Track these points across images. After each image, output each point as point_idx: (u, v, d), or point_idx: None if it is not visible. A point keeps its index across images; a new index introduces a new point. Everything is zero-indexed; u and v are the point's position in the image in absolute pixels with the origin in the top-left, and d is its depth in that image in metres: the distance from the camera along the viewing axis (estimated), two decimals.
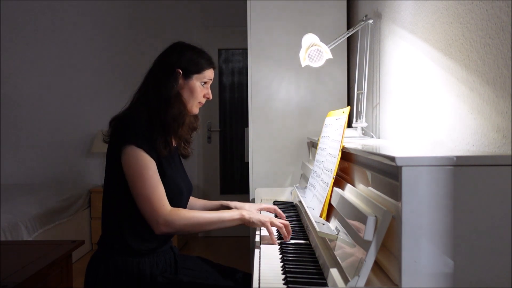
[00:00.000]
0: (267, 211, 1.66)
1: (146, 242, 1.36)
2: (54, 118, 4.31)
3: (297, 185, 2.00)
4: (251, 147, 2.38)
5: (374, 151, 1.02)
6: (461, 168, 0.78)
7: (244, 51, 4.21)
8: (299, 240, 1.42)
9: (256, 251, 1.33)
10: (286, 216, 1.74)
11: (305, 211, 1.46)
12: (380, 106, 1.92)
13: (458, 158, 0.78)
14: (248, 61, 2.36)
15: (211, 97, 1.50)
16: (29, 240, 2.86)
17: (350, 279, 0.89)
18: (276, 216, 1.60)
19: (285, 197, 2.20)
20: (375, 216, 0.87)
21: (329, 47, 1.83)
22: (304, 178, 2.05)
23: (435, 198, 0.78)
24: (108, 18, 4.28)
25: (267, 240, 1.42)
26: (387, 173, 0.95)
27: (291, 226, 1.50)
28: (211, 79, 1.48)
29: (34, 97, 4.31)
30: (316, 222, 1.22)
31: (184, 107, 1.42)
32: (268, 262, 1.22)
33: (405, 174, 0.78)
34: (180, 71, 1.41)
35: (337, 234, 1.11)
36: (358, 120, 1.91)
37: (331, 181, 1.30)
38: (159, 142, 1.35)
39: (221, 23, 4.30)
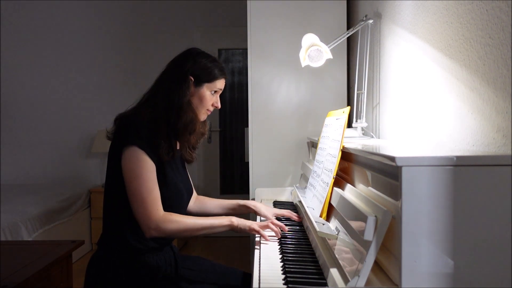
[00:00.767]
0: (282, 216, 1.67)
1: (146, 241, 1.36)
2: (54, 118, 4.31)
3: (297, 185, 2.00)
4: (251, 147, 2.38)
5: (374, 151, 1.02)
6: (461, 168, 0.78)
7: (244, 51, 4.22)
8: (299, 240, 1.42)
9: (256, 251, 1.33)
10: (285, 218, 1.74)
11: (305, 211, 1.46)
12: (380, 106, 1.92)
13: (458, 158, 0.78)
14: (248, 61, 2.36)
15: (219, 106, 1.50)
16: (29, 240, 2.86)
17: (350, 279, 0.89)
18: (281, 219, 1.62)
19: (285, 197, 2.20)
20: (375, 216, 0.87)
21: (329, 47, 1.83)
22: (304, 178, 2.05)
23: (435, 198, 0.78)
24: (108, 18, 4.28)
25: (268, 240, 1.42)
26: (387, 173, 0.95)
27: (291, 226, 1.51)
28: (221, 89, 1.49)
29: (34, 97, 4.31)
30: (316, 222, 1.22)
31: (196, 115, 1.42)
32: (268, 262, 1.22)
33: (405, 174, 0.78)
34: (192, 78, 1.41)
35: (337, 234, 1.11)
36: (358, 120, 1.91)
37: (331, 181, 1.30)
38: (163, 146, 1.34)
39: (221, 23, 4.31)
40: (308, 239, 1.42)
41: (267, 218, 1.60)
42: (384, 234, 0.84)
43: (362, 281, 0.84)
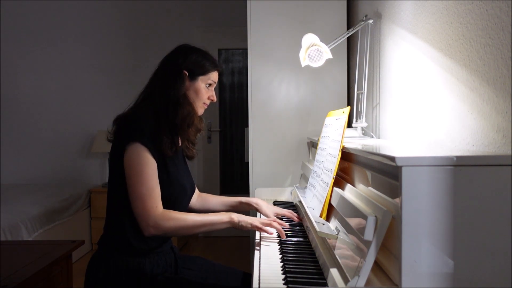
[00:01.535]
0: (283, 216, 1.67)
1: (147, 240, 1.36)
2: (54, 118, 4.31)
3: (297, 185, 2.00)
4: (251, 147, 2.38)
5: (374, 151, 1.02)
6: (461, 168, 0.78)
7: (244, 51, 4.22)
8: (299, 239, 1.42)
9: (256, 251, 1.33)
10: (286, 217, 1.74)
11: (305, 211, 1.46)
12: (380, 106, 1.92)
13: (458, 158, 0.78)
14: (248, 61, 2.36)
15: (215, 99, 1.52)
16: (29, 240, 2.86)
17: (350, 279, 0.89)
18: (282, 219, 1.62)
19: (285, 197, 2.20)
20: (375, 216, 0.87)
21: (329, 47, 1.83)
22: (304, 178, 2.05)
23: (435, 198, 0.78)
24: (108, 18, 4.28)
25: (268, 240, 1.42)
26: (387, 173, 0.95)
27: (291, 226, 1.51)
28: (215, 82, 1.51)
29: (34, 97, 4.31)
30: (316, 222, 1.22)
31: (192, 108, 1.44)
32: (268, 262, 1.22)
33: (405, 174, 0.78)
34: (186, 72, 1.43)
35: (337, 234, 1.11)
36: (358, 120, 1.91)
37: (331, 181, 1.30)
38: (165, 142, 1.35)
39: (221, 23, 4.31)
40: (308, 239, 1.42)
41: (268, 217, 1.61)
42: (384, 234, 0.84)
43: (362, 281, 0.84)
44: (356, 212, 0.98)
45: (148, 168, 1.32)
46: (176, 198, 1.38)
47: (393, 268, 0.84)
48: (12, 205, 3.11)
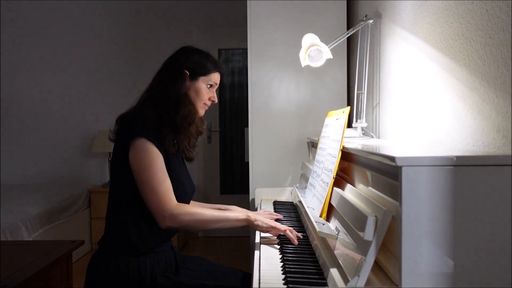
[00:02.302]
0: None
1: (148, 240, 1.36)
2: (54, 118, 4.31)
3: (297, 185, 2.00)
4: (251, 147, 2.38)
5: (374, 151, 1.02)
6: (461, 168, 0.78)
7: (244, 51, 4.22)
8: (299, 240, 1.42)
9: (256, 251, 1.33)
10: (286, 216, 1.74)
11: (305, 211, 1.46)
12: (380, 106, 1.92)
13: (458, 158, 0.78)
14: (248, 61, 2.36)
15: (216, 100, 1.53)
16: (29, 240, 2.86)
17: (350, 279, 0.89)
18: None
19: (285, 197, 2.20)
20: (375, 216, 0.87)
21: (329, 47, 1.83)
22: (304, 178, 2.05)
23: (435, 198, 0.78)
24: (108, 18, 4.28)
25: (268, 239, 1.42)
26: (387, 173, 0.95)
27: (290, 226, 1.50)
28: (216, 83, 1.52)
29: (34, 97, 4.31)
30: (316, 222, 1.22)
31: (193, 107, 1.45)
32: (268, 262, 1.22)
33: (405, 174, 0.78)
34: (187, 72, 1.45)
35: (337, 234, 1.11)
36: (358, 120, 1.91)
37: (331, 181, 1.30)
38: (168, 139, 1.37)
39: (221, 23, 4.31)
40: (308, 239, 1.42)
41: None
42: (384, 234, 0.84)
43: (362, 281, 0.84)
44: (356, 212, 0.98)
45: (156, 162, 1.32)
46: (176, 196, 1.38)
47: (393, 268, 0.84)
48: (12, 205, 3.11)
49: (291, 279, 1.06)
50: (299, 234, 1.42)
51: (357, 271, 0.86)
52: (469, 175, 0.78)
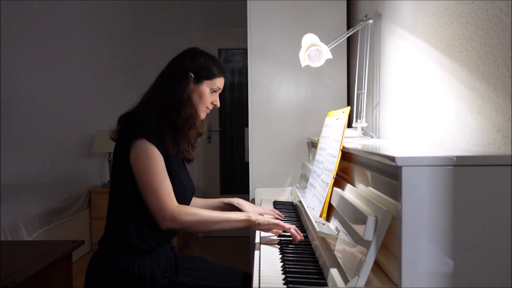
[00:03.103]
0: (267, 214, 1.66)
1: (149, 240, 1.36)
2: (54, 118, 4.31)
3: (297, 185, 2.00)
4: (251, 147, 2.38)
5: (374, 151, 1.02)
6: (461, 168, 0.78)
7: (244, 51, 4.22)
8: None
9: (256, 251, 1.33)
10: (286, 216, 1.74)
11: (305, 211, 1.46)
12: (380, 106, 1.92)
13: (458, 158, 0.78)
14: (248, 61, 2.36)
15: (218, 104, 1.52)
16: (29, 240, 2.86)
17: (350, 279, 0.89)
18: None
19: (285, 197, 2.20)
20: (375, 216, 0.87)
21: (329, 47, 1.83)
22: (304, 178, 2.05)
23: (435, 198, 0.78)
24: (108, 18, 4.28)
25: (268, 239, 1.42)
26: (387, 173, 0.95)
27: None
28: (220, 88, 1.51)
29: (34, 97, 4.31)
30: (316, 222, 1.22)
31: (195, 110, 1.44)
32: (268, 262, 1.22)
33: (405, 174, 0.78)
34: (192, 75, 1.44)
35: (337, 234, 1.11)
36: (358, 120, 1.91)
37: (331, 181, 1.30)
38: (169, 141, 1.36)
39: (221, 23, 4.31)
40: (308, 239, 1.42)
41: None
42: (384, 234, 0.84)
43: (362, 281, 0.84)
44: (356, 212, 0.98)
45: (157, 163, 1.32)
46: (177, 198, 1.38)
47: (393, 268, 0.84)
48: (12, 205, 3.11)
49: (291, 279, 1.06)
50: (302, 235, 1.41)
51: (357, 271, 0.86)
52: (469, 175, 0.78)
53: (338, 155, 1.30)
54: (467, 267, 0.78)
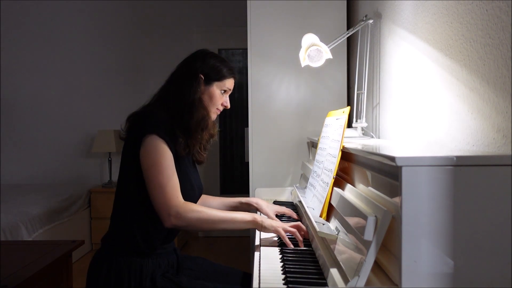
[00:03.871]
0: (284, 214, 1.68)
1: (153, 239, 1.36)
2: (54, 118, 4.31)
3: (297, 185, 2.00)
4: (251, 147, 2.38)
5: (374, 151, 1.02)
6: (461, 168, 0.78)
7: (244, 51, 4.22)
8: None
9: (256, 251, 1.33)
10: (286, 216, 1.74)
11: (305, 211, 1.46)
12: (380, 106, 1.92)
13: (458, 158, 0.78)
14: (248, 61, 2.36)
15: (228, 106, 1.54)
16: (29, 240, 2.86)
17: (350, 279, 0.89)
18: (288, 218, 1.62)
19: (285, 197, 2.20)
20: (375, 216, 0.87)
21: (329, 47, 1.83)
22: (304, 178, 2.05)
23: (435, 198, 0.78)
24: (108, 18, 4.28)
25: (268, 242, 1.42)
26: (387, 173, 0.95)
27: (291, 226, 1.50)
28: (230, 89, 1.53)
29: (34, 97, 4.31)
30: (316, 222, 1.22)
31: (207, 112, 1.45)
32: (268, 262, 1.22)
33: (405, 174, 0.78)
34: (202, 76, 1.44)
35: (337, 234, 1.11)
36: (358, 120, 1.91)
37: (331, 181, 1.30)
38: (180, 142, 1.37)
39: (221, 23, 4.31)
40: (308, 239, 1.42)
41: (268, 216, 1.61)
42: (384, 234, 0.84)
43: (362, 281, 0.84)
44: (356, 212, 0.98)
45: (165, 159, 1.32)
46: (184, 195, 1.38)
47: (393, 268, 0.84)
48: (12, 205, 3.11)
49: (291, 279, 1.06)
50: (305, 230, 1.40)
51: (357, 271, 0.86)
52: (469, 175, 0.78)
53: (338, 155, 1.30)
54: (467, 267, 0.78)
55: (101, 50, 4.29)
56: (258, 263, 1.22)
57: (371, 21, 1.89)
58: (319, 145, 1.64)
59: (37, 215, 3.08)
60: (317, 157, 1.61)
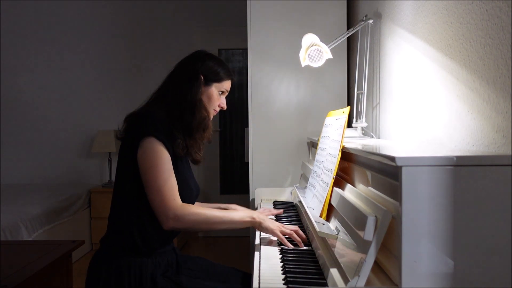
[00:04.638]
0: (283, 215, 1.68)
1: (152, 240, 1.35)
2: (54, 118, 4.31)
3: (297, 185, 2.00)
4: (251, 147, 2.38)
5: (374, 151, 1.02)
6: (461, 168, 0.78)
7: (244, 51, 4.22)
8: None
9: (256, 251, 1.33)
10: (286, 216, 1.74)
11: (305, 211, 1.46)
12: (380, 106, 1.92)
13: (458, 158, 0.78)
14: (248, 61, 2.36)
15: (225, 107, 1.54)
16: (29, 240, 2.86)
17: (350, 279, 0.89)
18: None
19: (285, 197, 2.20)
20: (375, 216, 0.87)
21: (329, 47, 1.83)
22: (304, 178, 2.05)
23: (435, 198, 0.78)
24: (108, 18, 4.28)
25: (268, 242, 1.42)
26: (387, 173, 0.95)
27: (290, 225, 1.50)
28: (227, 90, 1.54)
29: (34, 97, 4.31)
30: (316, 222, 1.22)
31: (208, 112, 1.46)
32: (268, 262, 1.22)
33: (405, 174, 0.78)
34: (202, 77, 1.45)
35: (337, 234, 1.11)
36: (358, 120, 1.91)
37: (331, 181, 1.30)
38: (179, 142, 1.37)
39: (221, 23, 4.31)
40: (308, 239, 1.42)
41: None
42: (384, 234, 0.84)
43: (362, 281, 0.84)
44: (356, 212, 0.98)
45: (163, 162, 1.32)
46: (183, 198, 1.38)
47: (393, 268, 0.84)
48: (12, 205, 3.11)
49: (291, 279, 1.06)
50: (304, 236, 1.39)
51: (357, 271, 0.86)
52: (469, 175, 0.78)
53: (338, 155, 1.30)
54: (467, 267, 0.78)
55: (101, 50, 4.29)
56: (258, 263, 1.22)
57: (371, 21, 1.89)
58: (319, 145, 1.64)
59: (37, 215, 3.08)
60: (317, 157, 1.61)
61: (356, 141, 1.65)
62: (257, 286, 1.05)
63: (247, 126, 2.40)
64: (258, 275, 1.12)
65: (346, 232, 1.05)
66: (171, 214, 1.29)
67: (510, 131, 0.94)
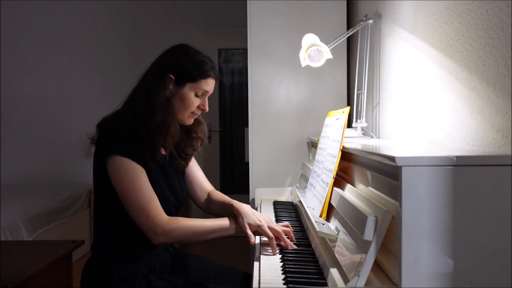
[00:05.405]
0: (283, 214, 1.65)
1: (138, 248, 1.32)
2: (54, 118, 4.31)
3: (297, 185, 2.00)
4: (251, 147, 2.38)
5: (374, 151, 1.02)
6: (461, 168, 0.78)
7: (244, 51, 4.22)
8: (299, 240, 1.42)
9: (256, 251, 1.33)
10: (286, 216, 1.74)
11: (305, 211, 1.46)
12: (380, 106, 1.92)
13: (458, 158, 0.78)
14: (248, 61, 2.36)
15: (207, 109, 1.37)
16: (29, 240, 2.86)
17: (350, 279, 0.89)
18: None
19: (285, 197, 2.20)
20: (375, 216, 0.87)
21: (329, 47, 1.83)
22: (304, 178, 2.05)
23: (435, 198, 0.78)
24: (108, 18, 4.28)
25: (267, 241, 1.41)
26: (387, 173, 0.95)
27: (290, 225, 1.49)
28: (207, 91, 1.35)
29: (34, 97, 4.31)
30: (316, 222, 1.22)
31: (171, 116, 1.31)
32: (268, 262, 1.22)
33: (405, 174, 0.78)
34: (172, 76, 1.31)
35: (337, 234, 1.11)
36: (358, 120, 1.91)
37: (331, 181, 1.30)
38: (146, 153, 1.26)
39: (221, 23, 4.31)
40: (308, 239, 1.42)
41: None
42: (384, 234, 0.84)
43: (362, 281, 0.84)
44: (356, 212, 0.98)
45: (138, 178, 1.23)
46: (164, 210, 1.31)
47: (393, 268, 0.84)
48: (12, 205, 3.11)
49: (291, 279, 1.06)
50: (292, 236, 1.35)
51: (357, 271, 0.86)
52: (469, 175, 0.78)
53: (338, 155, 1.30)
54: (467, 267, 0.78)
55: (101, 50, 4.29)
56: (258, 262, 1.22)
57: (371, 21, 1.89)
58: (319, 145, 1.64)
59: (37, 215, 3.08)
60: (317, 157, 1.61)
61: (356, 141, 1.65)
62: (257, 286, 1.05)
63: (247, 126, 2.40)
64: (258, 275, 1.12)
65: (346, 232, 1.05)
66: (159, 230, 1.22)
67: (510, 131, 0.94)
